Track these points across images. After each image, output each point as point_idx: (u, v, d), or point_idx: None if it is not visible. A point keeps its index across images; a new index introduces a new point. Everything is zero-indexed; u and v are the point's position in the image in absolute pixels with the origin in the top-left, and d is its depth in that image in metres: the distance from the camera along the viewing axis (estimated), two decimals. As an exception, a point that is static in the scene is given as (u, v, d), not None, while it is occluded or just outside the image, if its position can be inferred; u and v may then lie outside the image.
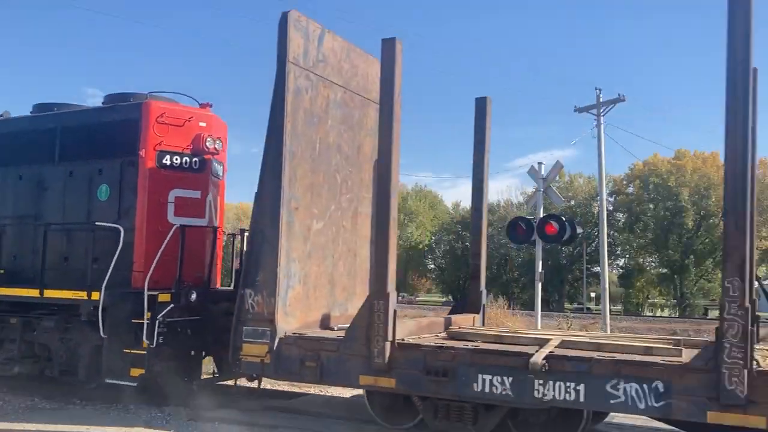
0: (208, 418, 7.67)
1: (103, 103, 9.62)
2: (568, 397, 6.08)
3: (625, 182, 65.91)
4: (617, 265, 68.58)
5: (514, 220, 19.08)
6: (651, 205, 63.68)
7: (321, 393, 9.70)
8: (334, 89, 8.38)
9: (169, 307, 7.89)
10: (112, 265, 7.97)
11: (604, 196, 35.47)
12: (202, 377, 8.92)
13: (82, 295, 8.18)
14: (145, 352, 7.79)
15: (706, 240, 60.61)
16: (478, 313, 8.76)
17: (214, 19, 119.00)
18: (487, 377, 6.40)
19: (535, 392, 6.19)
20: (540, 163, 20.60)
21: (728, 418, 5.51)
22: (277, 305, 7.39)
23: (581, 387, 6.03)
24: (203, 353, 8.74)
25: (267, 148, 7.61)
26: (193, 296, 8.24)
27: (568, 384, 6.08)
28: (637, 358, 6.03)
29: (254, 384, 8.64)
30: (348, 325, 7.20)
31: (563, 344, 6.62)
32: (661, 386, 5.76)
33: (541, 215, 19.01)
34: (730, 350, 5.43)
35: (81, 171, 9.02)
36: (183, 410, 8.02)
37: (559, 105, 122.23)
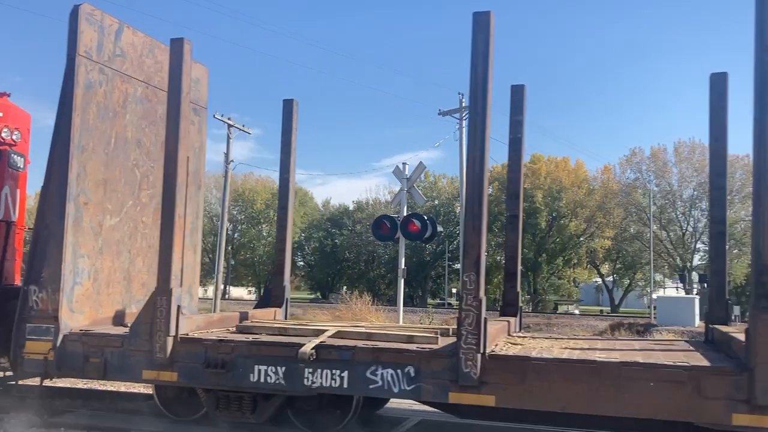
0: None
1: None
2: (333, 384, 6.51)
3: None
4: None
5: (379, 218, 19.71)
6: (506, 206, 67.51)
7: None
8: (134, 84, 8.35)
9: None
10: None
11: (464, 197, 37.23)
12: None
13: None
14: None
15: (557, 239, 65.05)
16: (281, 307, 9.06)
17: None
18: (263, 368, 6.70)
19: (305, 380, 6.57)
20: (404, 164, 21.39)
21: (465, 398, 6.16)
22: (61, 302, 7.31)
23: (345, 374, 6.48)
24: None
25: (54, 143, 7.49)
26: (-23, 293, 7.92)
27: (334, 372, 6.50)
28: (395, 345, 6.56)
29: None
30: (137, 322, 7.25)
31: (338, 334, 7.06)
32: (412, 371, 6.31)
33: (405, 214, 19.79)
34: (467, 337, 6.07)
35: None
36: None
37: (427, 108, 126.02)
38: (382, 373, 6.39)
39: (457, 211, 64.80)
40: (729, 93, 7.79)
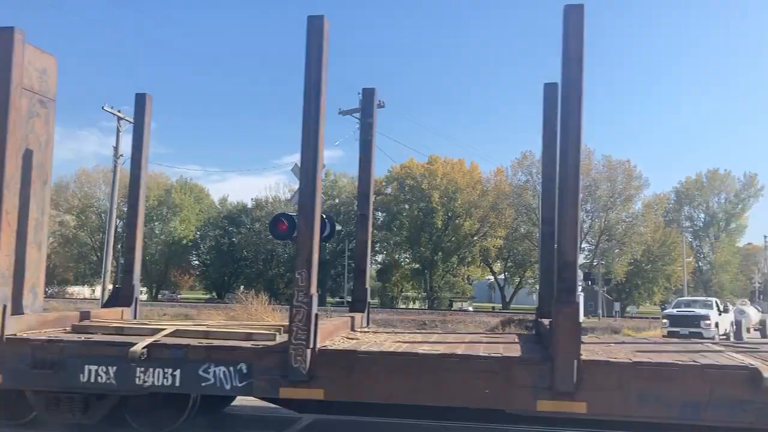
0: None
1: None
2: (165, 383, 6.46)
3: (384, 183, 70.07)
4: (376, 260, 72.52)
5: (277, 217, 19.30)
6: (406, 206, 68.63)
7: None
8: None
9: None
10: None
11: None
12: None
13: None
14: None
15: (453, 238, 66.87)
16: (130, 306, 8.87)
17: None
18: (93, 368, 6.56)
19: (137, 379, 6.49)
20: (303, 161, 21.29)
21: (295, 392, 6.29)
22: None
23: (178, 372, 6.45)
24: None
25: None
26: None
27: (166, 370, 6.46)
28: (229, 343, 6.61)
29: None
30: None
31: (176, 333, 7.01)
32: (245, 368, 6.37)
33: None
34: (297, 333, 6.21)
35: None
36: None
37: (328, 106, 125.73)
38: (214, 371, 6.41)
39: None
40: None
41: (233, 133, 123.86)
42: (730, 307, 42.74)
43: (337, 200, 70.25)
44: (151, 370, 6.46)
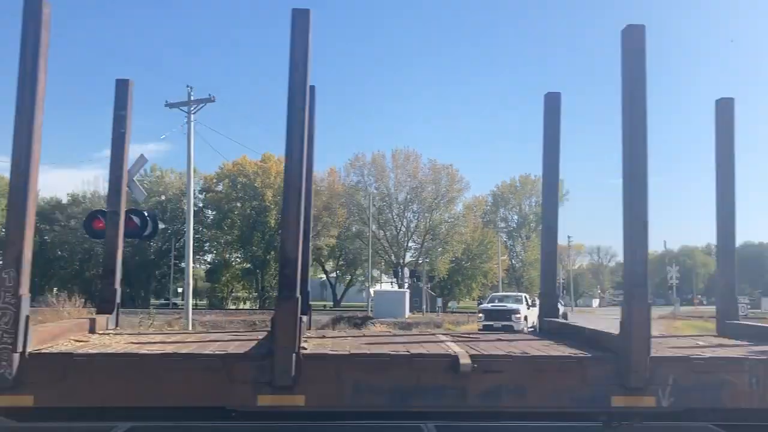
0: None
1: None
2: None
3: (215, 180, 68.27)
4: (205, 260, 70.58)
5: (93, 213, 17.64)
6: (238, 204, 67.36)
7: None
8: None
9: None
10: None
11: (192, 193, 36.03)
12: None
13: None
14: None
15: (285, 237, 66.61)
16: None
17: None
18: None
19: None
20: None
21: (2, 400, 5.87)
22: None
23: None
24: None
25: None
26: None
27: None
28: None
29: None
30: None
31: None
32: None
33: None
34: (2, 336, 5.80)
35: None
36: None
37: (155, 97, 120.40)
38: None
39: (185, 208, 62.93)
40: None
41: (46, 123, 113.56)
42: (538, 301, 46.54)
43: (163, 197, 67.20)
44: None
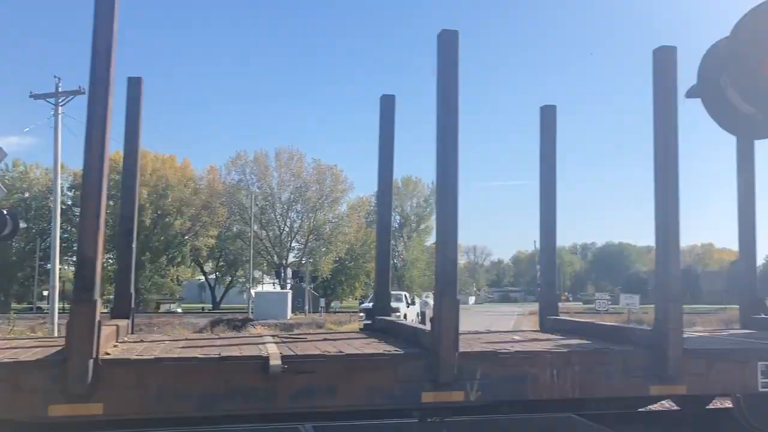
0: None
1: None
2: None
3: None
4: (72, 261, 66.34)
5: None
6: (111, 202, 63.91)
7: None
8: None
9: None
10: None
11: (59, 190, 33.61)
12: None
13: None
14: None
15: (162, 238, 63.98)
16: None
17: None
18: None
19: None
20: (-19, 149, 18.05)
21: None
22: None
23: None
24: None
25: None
26: None
27: None
28: None
29: None
30: None
31: None
32: None
33: None
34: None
35: None
36: None
37: (18, 88, 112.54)
38: None
39: (52, 206, 58.81)
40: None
41: None
42: (417, 299, 47.54)
43: (27, 194, 62.58)
44: None
